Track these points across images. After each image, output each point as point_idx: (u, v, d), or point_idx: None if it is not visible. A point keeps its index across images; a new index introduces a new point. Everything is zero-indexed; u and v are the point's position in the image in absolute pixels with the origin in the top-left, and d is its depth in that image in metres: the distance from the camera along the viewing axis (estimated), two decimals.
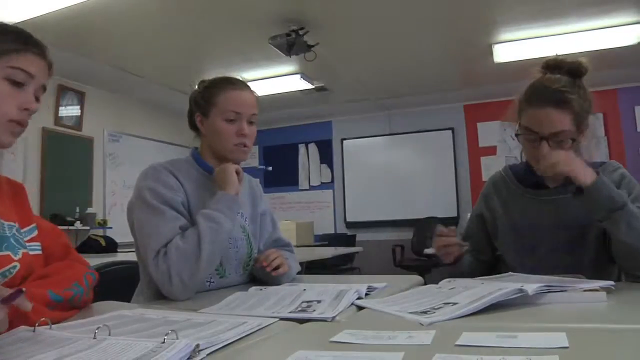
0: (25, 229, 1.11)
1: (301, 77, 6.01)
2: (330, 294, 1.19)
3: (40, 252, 1.13)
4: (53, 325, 0.85)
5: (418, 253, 6.91)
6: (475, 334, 0.79)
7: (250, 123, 1.60)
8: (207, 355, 0.72)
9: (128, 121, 6.80)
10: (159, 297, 1.39)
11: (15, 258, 1.01)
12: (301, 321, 0.97)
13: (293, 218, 6.81)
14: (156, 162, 1.55)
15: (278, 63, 5.58)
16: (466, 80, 6.56)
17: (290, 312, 1.04)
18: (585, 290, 1.10)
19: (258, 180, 1.89)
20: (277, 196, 8.30)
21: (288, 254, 1.71)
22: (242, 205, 1.67)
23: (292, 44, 4.70)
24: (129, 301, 1.49)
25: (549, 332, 0.78)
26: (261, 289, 1.37)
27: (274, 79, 6.05)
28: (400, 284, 1.45)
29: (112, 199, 6.43)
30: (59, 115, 5.79)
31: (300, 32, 4.67)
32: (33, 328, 0.82)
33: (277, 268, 1.53)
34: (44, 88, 1.09)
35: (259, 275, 1.61)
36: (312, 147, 8.44)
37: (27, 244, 1.09)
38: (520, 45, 5.13)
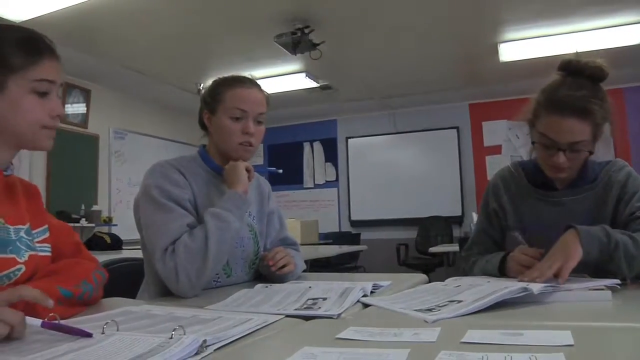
0: (37, 230, 1.13)
1: (306, 75, 6.02)
2: (335, 291, 1.19)
3: (49, 253, 1.14)
4: (61, 321, 0.86)
5: (422, 252, 6.91)
6: (481, 331, 0.79)
7: (258, 122, 1.59)
8: (214, 350, 0.73)
9: (133, 119, 6.83)
10: (165, 293, 1.39)
11: (21, 260, 1.03)
12: (307, 318, 0.98)
13: (298, 216, 6.81)
14: (163, 160, 1.55)
15: (283, 61, 5.59)
16: (471, 79, 6.55)
17: (296, 309, 1.05)
18: (590, 289, 1.10)
19: (266, 179, 1.89)
20: (281, 194, 8.32)
21: (294, 253, 1.71)
22: (250, 204, 1.67)
23: (297, 42, 4.70)
24: (133, 298, 1.49)
25: (554, 330, 0.78)
26: (267, 287, 1.38)
27: (279, 78, 6.05)
28: (405, 282, 1.45)
29: (117, 196, 6.46)
30: (65, 112, 5.79)
31: (306, 31, 4.68)
32: (41, 323, 0.82)
33: (283, 267, 1.53)
34: (61, 85, 1.12)
35: (264, 273, 1.60)
36: (317, 146, 8.45)
37: (38, 245, 1.11)
38: (525, 44, 5.11)
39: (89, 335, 0.77)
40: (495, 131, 7.21)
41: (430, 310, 0.99)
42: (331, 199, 8.26)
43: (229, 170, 1.52)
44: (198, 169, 1.58)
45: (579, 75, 1.43)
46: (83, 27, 4.52)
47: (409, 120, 7.80)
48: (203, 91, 1.67)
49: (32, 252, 1.07)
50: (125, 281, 1.59)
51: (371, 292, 1.25)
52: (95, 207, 5.97)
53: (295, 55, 4.95)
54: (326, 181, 8.35)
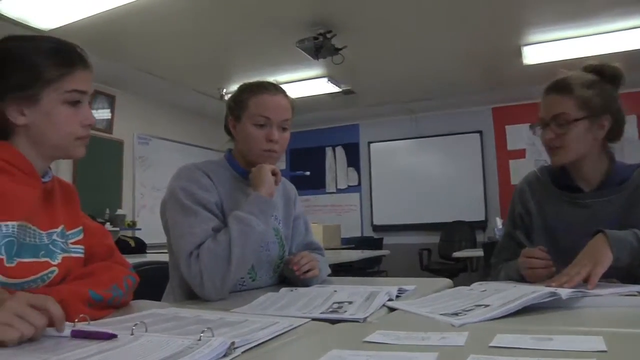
0: (71, 231, 1.15)
1: (328, 80, 6.03)
2: (361, 295, 1.19)
3: (82, 255, 1.16)
4: (91, 322, 0.87)
5: (445, 257, 6.86)
6: (509, 335, 0.78)
7: (283, 129, 1.58)
8: (242, 353, 0.73)
9: (157, 124, 6.90)
10: (190, 296, 1.40)
11: (54, 263, 1.05)
12: (333, 322, 0.97)
13: (320, 221, 6.81)
14: (190, 163, 1.56)
15: (305, 66, 5.61)
16: (495, 82, 6.49)
17: (322, 313, 1.05)
18: (621, 295, 1.08)
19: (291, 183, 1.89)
20: (304, 199, 8.31)
21: (319, 258, 1.70)
22: (276, 208, 1.67)
23: (319, 47, 4.72)
24: (158, 301, 1.50)
25: (585, 335, 0.76)
26: (292, 290, 1.38)
27: (301, 82, 6.08)
28: (430, 286, 1.44)
29: (141, 200, 6.53)
30: (95, 120, 5.89)
31: (328, 36, 4.70)
32: (73, 324, 0.84)
33: (307, 271, 1.53)
34: (91, 94, 1.14)
35: (289, 276, 1.60)
36: (339, 150, 8.45)
37: (72, 246, 1.13)
38: (549, 47, 5.07)
39: (114, 336, 0.78)
40: (518, 135, 7.12)
41: (456, 314, 0.98)
42: (353, 204, 8.25)
43: (255, 173, 1.51)
44: (225, 172, 1.59)
45: (597, 74, 1.51)
46: (108, 34, 4.59)
47: (431, 124, 7.75)
48: (228, 97, 1.67)
49: (66, 254, 1.09)
50: (150, 284, 1.59)
51: (396, 297, 1.25)
52: (119, 212, 6.05)
53: (317, 60, 4.97)
54: (348, 186, 8.34)
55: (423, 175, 7.70)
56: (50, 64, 1.04)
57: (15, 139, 1.06)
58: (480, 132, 7.48)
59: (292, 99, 1.65)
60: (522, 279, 1.45)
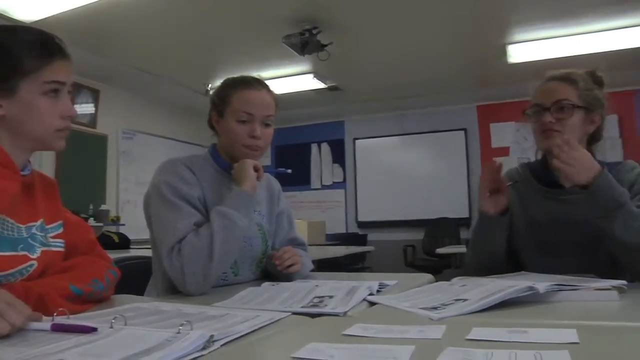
0: (51, 225, 1.14)
1: (314, 76, 6.02)
2: (342, 290, 1.20)
3: (62, 249, 1.15)
4: (72, 316, 0.87)
5: (429, 253, 6.90)
6: (486, 329, 0.80)
7: (266, 125, 1.58)
8: (221, 346, 0.74)
9: (142, 119, 6.86)
10: (172, 291, 1.40)
11: (33, 257, 1.04)
12: (313, 315, 0.98)
13: (305, 217, 6.81)
14: (174, 157, 1.56)
15: (291, 62, 5.60)
16: (480, 80, 6.53)
17: (302, 307, 1.06)
18: (596, 289, 1.10)
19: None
20: (289, 195, 8.30)
21: (302, 252, 1.71)
22: (259, 203, 1.67)
23: (305, 43, 4.71)
24: (140, 295, 1.50)
25: (559, 328, 0.78)
26: (274, 285, 1.38)
27: (287, 78, 6.06)
28: (412, 281, 1.45)
29: (125, 196, 6.49)
30: (77, 113, 5.83)
31: (314, 32, 4.69)
32: (52, 318, 0.83)
33: (290, 266, 1.54)
34: (71, 85, 1.13)
35: (272, 271, 1.61)
36: (325, 147, 8.46)
37: (51, 240, 1.12)
38: (534, 46, 5.10)
39: (94, 329, 0.78)
40: (503, 133, 7.19)
41: (435, 308, 1.00)
42: (338, 200, 8.26)
43: (237, 169, 1.52)
44: (208, 167, 1.59)
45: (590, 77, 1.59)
46: (92, 27, 4.55)
47: (417, 121, 7.79)
48: (212, 92, 1.67)
49: (45, 248, 1.08)
50: (133, 279, 1.59)
51: (377, 291, 1.26)
52: (103, 207, 6.01)
53: (303, 56, 4.96)
54: (333, 182, 8.36)
55: (408, 172, 7.74)
56: (28, 55, 1.02)
57: None
58: (464, 129, 7.53)
59: (276, 94, 1.64)
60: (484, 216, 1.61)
